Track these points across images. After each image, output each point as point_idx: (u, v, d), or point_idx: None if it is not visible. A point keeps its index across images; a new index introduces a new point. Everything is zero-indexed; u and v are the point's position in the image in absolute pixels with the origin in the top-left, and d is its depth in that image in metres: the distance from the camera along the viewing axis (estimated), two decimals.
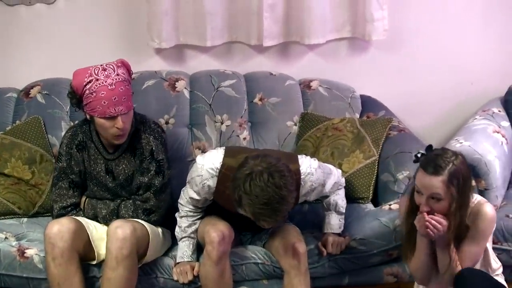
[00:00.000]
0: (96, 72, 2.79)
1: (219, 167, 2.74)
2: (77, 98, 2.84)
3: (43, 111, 3.42)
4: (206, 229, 2.78)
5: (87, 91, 2.78)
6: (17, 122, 3.41)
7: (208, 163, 2.76)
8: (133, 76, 3.47)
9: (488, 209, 2.51)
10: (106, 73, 2.79)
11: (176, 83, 3.52)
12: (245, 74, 3.65)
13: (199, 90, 3.52)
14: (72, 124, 3.27)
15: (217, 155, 2.79)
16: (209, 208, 2.95)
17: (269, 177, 2.48)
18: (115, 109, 2.79)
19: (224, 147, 2.87)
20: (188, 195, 2.86)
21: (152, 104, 3.43)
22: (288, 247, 2.79)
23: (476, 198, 2.57)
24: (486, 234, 2.52)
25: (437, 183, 2.39)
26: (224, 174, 2.71)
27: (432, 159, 2.43)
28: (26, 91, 3.48)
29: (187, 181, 2.87)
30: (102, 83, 2.77)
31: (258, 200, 2.47)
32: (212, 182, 2.75)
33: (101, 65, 2.82)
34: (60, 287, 2.71)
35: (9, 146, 3.26)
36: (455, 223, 2.44)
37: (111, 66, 2.83)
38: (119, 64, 2.86)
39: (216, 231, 2.73)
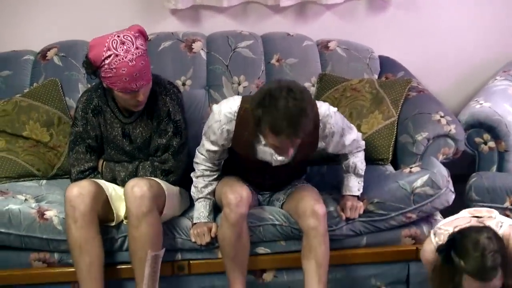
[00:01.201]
0: (114, 45, 2.69)
1: (236, 110, 2.71)
2: (93, 69, 2.75)
3: (60, 73, 3.41)
4: (223, 191, 2.78)
5: (105, 66, 2.70)
6: (35, 84, 3.40)
7: (225, 108, 2.73)
8: (149, 37, 3.48)
9: None
10: (125, 47, 2.69)
11: (193, 44, 3.49)
12: (262, 35, 3.62)
13: (216, 51, 3.49)
14: (89, 86, 3.26)
15: (234, 100, 2.77)
16: (226, 167, 2.96)
17: (288, 91, 2.48)
18: (136, 85, 2.74)
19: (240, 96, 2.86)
20: (204, 149, 2.85)
21: (169, 66, 3.42)
22: (308, 208, 2.78)
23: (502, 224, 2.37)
24: None
25: (497, 283, 2.23)
26: (242, 116, 2.69)
27: (478, 263, 2.19)
28: (43, 54, 3.47)
29: (203, 133, 2.86)
30: (122, 59, 2.69)
31: (278, 113, 2.45)
32: (231, 126, 2.73)
33: (118, 36, 2.71)
34: (82, 249, 2.73)
35: (27, 108, 3.26)
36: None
37: (129, 38, 2.72)
38: (137, 34, 2.77)
39: (234, 193, 2.73)
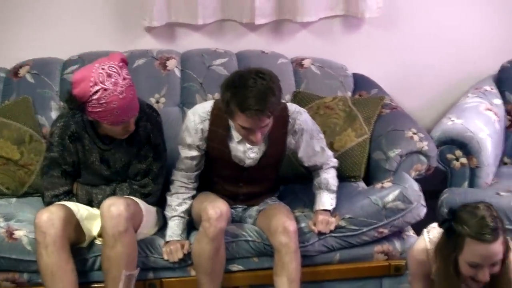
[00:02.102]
0: (101, 79, 2.61)
1: (210, 110, 2.83)
2: (79, 104, 2.65)
3: (32, 91, 3.38)
4: (203, 206, 2.77)
5: (94, 101, 2.61)
6: (6, 102, 3.37)
7: (199, 108, 2.87)
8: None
9: None
10: (113, 80, 2.63)
11: (167, 62, 3.49)
12: (237, 53, 3.62)
13: (191, 69, 3.50)
14: (61, 104, 3.24)
15: (207, 102, 2.94)
16: (201, 184, 2.99)
17: (256, 73, 2.60)
18: (128, 116, 2.72)
19: None
20: (182, 158, 2.90)
21: (143, 83, 3.40)
22: (279, 225, 2.79)
23: None
24: None
25: (498, 247, 2.19)
26: (216, 115, 2.80)
27: (479, 225, 2.19)
28: (15, 71, 3.44)
29: (178, 143, 2.91)
30: (112, 92, 2.62)
31: (246, 90, 2.55)
32: (205, 125, 2.83)
33: (103, 69, 2.63)
34: (54, 275, 2.68)
35: None
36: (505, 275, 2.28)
37: (115, 69, 2.65)
38: (121, 64, 2.70)
39: (214, 208, 2.73)
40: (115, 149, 2.90)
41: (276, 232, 2.78)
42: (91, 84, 2.61)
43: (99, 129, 2.84)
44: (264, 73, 2.61)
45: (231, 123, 2.79)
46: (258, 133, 2.66)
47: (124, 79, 2.67)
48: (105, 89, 2.61)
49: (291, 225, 2.78)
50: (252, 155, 2.87)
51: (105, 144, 2.89)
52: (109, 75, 2.63)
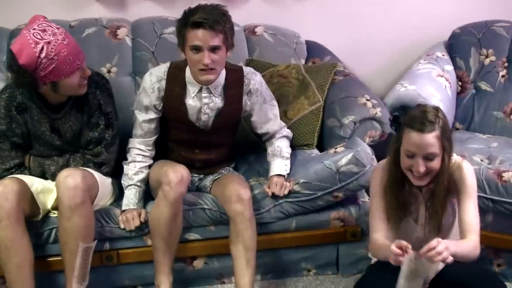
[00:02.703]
0: (39, 36, 2.60)
1: (166, 70, 2.89)
2: (30, 74, 2.62)
3: None
4: (163, 170, 2.77)
5: (44, 60, 2.59)
6: None
7: (155, 70, 2.93)
8: (72, 24, 3.41)
9: (468, 165, 2.44)
10: (49, 32, 2.62)
11: (118, 30, 3.43)
12: None
13: (142, 37, 3.44)
14: (9, 75, 3.14)
15: (162, 64, 2.99)
16: (157, 153, 3.00)
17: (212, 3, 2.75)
18: (79, 60, 2.70)
19: None
20: (139, 123, 2.93)
21: (93, 53, 3.33)
22: (233, 193, 2.80)
23: (453, 158, 2.44)
24: (472, 189, 2.42)
25: (432, 139, 2.29)
26: (172, 74, 2.86)
27: (418, 116, 2.31)
28: None
29: (134, 107, 2.95)
30: (56, 42, 2.61)
31: (197, 11, 2.69)
32: (162, 84, 2.87)
33: (34, 29, 2.61)
34: (9, 249, 2.65)
35: None
36: (442, 177, 2.36)
37: (44, 24, 2.64)
38: (46, 20, 2.69)
39: (175, 172, 2.73)
40: (66, 117, 2.86)
41: (231, 200, 2.79)
42: (33, 45, 2.59)
43: (51, 96, 2.78)
44: (220, 6, 2.76)
45: (188, 76, 2.84)
46: (209, 54, 2.70)
47: (58, 28, 2.67)
48: (48, 42, 2.60)
49: (245, 193, 2.80)
50: (208, 110, 2.87)
51: (55, 113, 2.84)
52: (43, 30, 2.62)
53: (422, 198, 2.47)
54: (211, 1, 2.82)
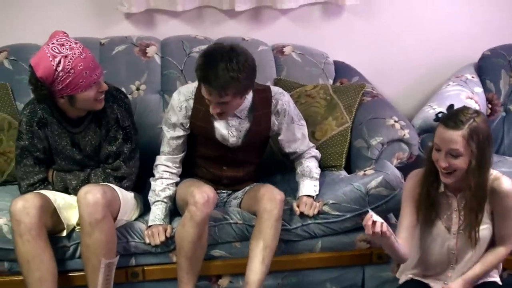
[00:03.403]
0: (57, 50, 2.65)
1: (194, 90, 2.88)
2: (47, 87, 2.66)
3: (10, 77, 3.34)
4: (190, 190, 2.77)
5: (61, 73, 2.63)
6: None
7: (183, 89, 2.93)
8: (102, 41, 3.45)
9: (505, 183, 2.44)
10: (67, 46, 2.67)
11: (147, 48, 3.46)
12: (216, 40, 3.59)
13: (171, 55, 3.47)
14: None
15: (191, 83, 3.00)
16: (185, 170, 3.01)
17: (230, 57, 2.63)
18: (96, 74, 2.72)
19: None
20: (167, 140, 2.94)
21: (122, 70, 3.38)
22: (267, 192, 2.82)
23: (493, 172, 2.47)
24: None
25: (456, 137, 2.33)
26: (199, 94, 2.80)
27: (453, 114, 2.37)
28: None
29: (163, 123, 2.96)
30: (73, 56, 2.65)
31: (211, 69, 2.61)
32: (189, 104, 2.87)
33: (53, 43, 2.66)
34: (30, 264, 2.66)
35: None
36: (475, 182, 2.38)
37: (63, 39, 2.70)
38: (66, 35, 2.73)
39: (201, 192, 2.73)
40: (85, 132, 2.88)
41: (263, 198, 2.80)
42: (50, 58, 2.64)
43: (70, 111, 2.81)
44: (236, 53, 2.64)
45: None
46: (215, 107, 2.71)
47: (76, 43, 2.71)
48: (65, 56, 2.65)
49: (279, 194, 2.81)
50: (235, 133, 2.88)
51: (74, 127, 2.87)
52: (61, 45, 2.67)
53: (456, 205, 2.47)
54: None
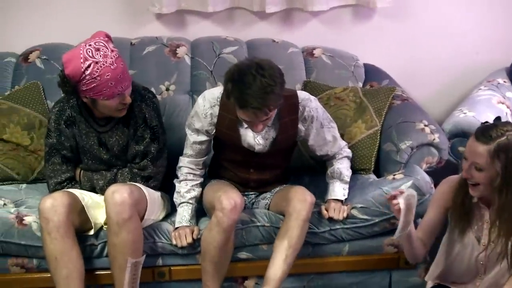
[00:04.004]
0: (90, 54, 2.66)
1: (219, 96, 2.81)
2: (72, 85, 2.69)
3: (42, 76, 3.38)
4: (217, 195, 2.77)
5: (87, 77, 2.65)
6: (16, 87, 3.37)
7: (208, 94, 2.86)
8: (133, 42, 3.48)
9: None
10: (102, 53, 2.67)
11: (177, 49, 3.47)
12: (247, 41, 3.61)
13: (201, 56, 3.48)
14: None
15: (216, 88, 2.93)
16: (212, 171, 3.03)
17: (257, 68, 2.56)
18: (122, 87, 2.73)
19: None
20: (190, 143, 2.91)
21: (152, 71, 3.40)
22: (298, 193, 2.81)
23: None
24: None
25: (482, 151, 2.28)
26: (225, 101, 2.73)
27: (487, 127, 2.32)
28: (25, 56, 3.44)
29: (186, 126, 2.92)
30: (103, 64, 2.66)
31: (244, 87, 2.54)
32: (214, 111, 2.83)
33: (90, 45, 2.68)
34: (58, 261, 2.69)
35: (8, 111, 3.22)
36: (501, 203, 2.33)
37: (102, 43, 2.70)
38: (106, 39, 2.74)
39: (229, 198, 2.73)
40: (112, 131, 2.90)
41: (293, 199, 2.79)
42: (82, 60, 2.64)
43: (96, 111, 2.84)
44: (264, 68, 2.57)
45: None
46: (259, 125, 2.68)
47: (112, 51, 2.71)
48: (96, 62, 2.65)
49: (310, 196, 2.80)
50: (261, 141, 2.86)
51: (102, 126, 2.89)
52: (97, 49, 2.67)
53: (488, 217, 2.43)
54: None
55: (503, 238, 2.38)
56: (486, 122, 2.38)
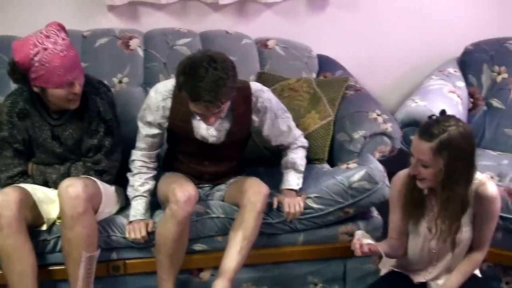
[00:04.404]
0: (40, 41, 2.63)
1: (172, 88, 2.79)
2: (22, 73, 2.66)
3: None
4: (171, 188, 2.76)
5: (36, 64, 2.62)
6: None
7: (161, 87, 2.84)
8: (85, 34, 3.43)
9: (490, 189, 2.41)
10: (52, 40, 2.65)
11: (130, 41, 3.44)
12: (200, 33, 3.59)
13: (154, 48, 3.46)
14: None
15: (169, 80, 2.90)
16: (166, 163, 3.03)
17: (210, 61, 2.55)
18: (72, 76, 2.69)
19: None
20: (142, 136, 2.89)
21: (105, 63, 3.36)
22: (252, 185, 2.81)
23: (478, 177, 2.43)
24: (495, 214, 2.45)
25: (425, 148, 2.30)
26: (177, 93, 2.71)
27: (429, 124, 2.33)
28: None
29: (138, 119, 2.89)
30: (53, 51, 2.63)
31: (196, 81, 2.53)
32: (167, 103, 2.81)
33: (41, 33, 2.65)
34: (10, 257, 2.65)
35: None
36: (446, 196, 2.37)
37: (53, 32, 2.67)
38: (58, 28, 2.72)
39: (183, 190, 2.72)
40: (66, 124, 2.87)
41: (248, 190, 2.79)
42: (31, 46, 2.62)
43: (49, 103, 2.80)
44: (216, 61, 2.56)
45: None
46: (211, 117, 2.67)
47: (63, 39, 2.69)
48: (45, 49, 2.63)
49: (264, 188, 2.81)
50: (215, 132, 2.86)
51: (55, 120, 2.86)
52: (47, 37, 2.65)
53: (437, 207, 2.47)
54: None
55: (450, 228, 2.43)
56: (432, 115, 2.39)
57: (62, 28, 2.74)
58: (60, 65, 2.64)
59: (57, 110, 2.84)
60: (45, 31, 2.66)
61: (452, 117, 2.38)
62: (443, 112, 2.40)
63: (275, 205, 2.90)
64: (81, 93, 2.80)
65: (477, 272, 2.61)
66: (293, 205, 2.90)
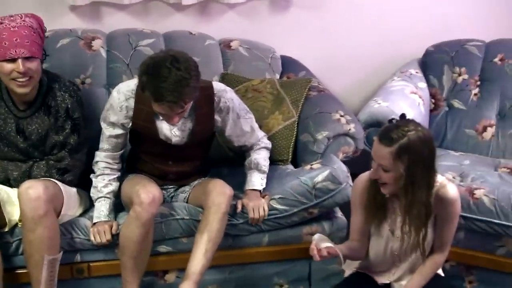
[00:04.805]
0: (2, 18, 2.69)
1: (134, 88, 2.78)
2: None
3: None
4: (135, 189, 2.75)
5: None
6: None
7: (123, 87, 2.83)
8: (46, 34, 3.37)
9: (450, 191, 2.43)
10: (12, 18, 2.70)
11: (92, 42, 3.41)
12: (164, 33, 3.57)
13: (117, 49, 3.43)
14: None
15: (131, 80, 2.89)
16: (130, 165, 3.01)
17: (173, 61, 2.54)
18: (15, 51, 2.66)
19: None
20: (105, 137, 2.88)
21: (67, 64, 3.32)
22: (217, 186, 2.82)
23: (439, 179, 2.45)
24: (455, 215, 2.48)
25: (385, 153, 2.30)
26: (140, 93, 2.69)
27: (389, 128, 2.32)
28: None
29: (101, 120, 2.88)
30: (6, 26, 2.66)
31: (159, 81, 2.52)
32: (130, 103, 2.80)
33: (11, 15, 2.72)
34: None
35: None
36: (409, 200, 2.37)
37: (20, 15, 2.73)
38: (29, 15, 2.75)
39: (147, 192, 2.72)
40: (32, 118, 2.83)
41: (212, 192, 2.79)
42: None
43: (15, 93, 2.77)
44: (179, 61, 2.55)
45: None
46: (175, 117, 2.67)
47: (24, 21, 2.72)
48: (1, 23, 2.67)
49: (229, 190, 2.82)
50: (178, 132, 2.85)
51: (21, 111, 2.82)
52: (11, 16, 2.72)
53: (399, 210, 2.49)
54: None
55: (414, 232, 2.45)
56: (392, 119, 2.39)
57: (35, 18, 2.77)
58: (6, 38, 2.65)
59: (20, 101, 2.80)
60: (15, 14, 2.71)
61: (412, 121, 2.38)
62: (402, 116, 2.41)
63: (239, 209, 2.91)
64: (49, 89, 2.79)
65: (440, 271, 2.64)
66: (257, 210, 2.90)
